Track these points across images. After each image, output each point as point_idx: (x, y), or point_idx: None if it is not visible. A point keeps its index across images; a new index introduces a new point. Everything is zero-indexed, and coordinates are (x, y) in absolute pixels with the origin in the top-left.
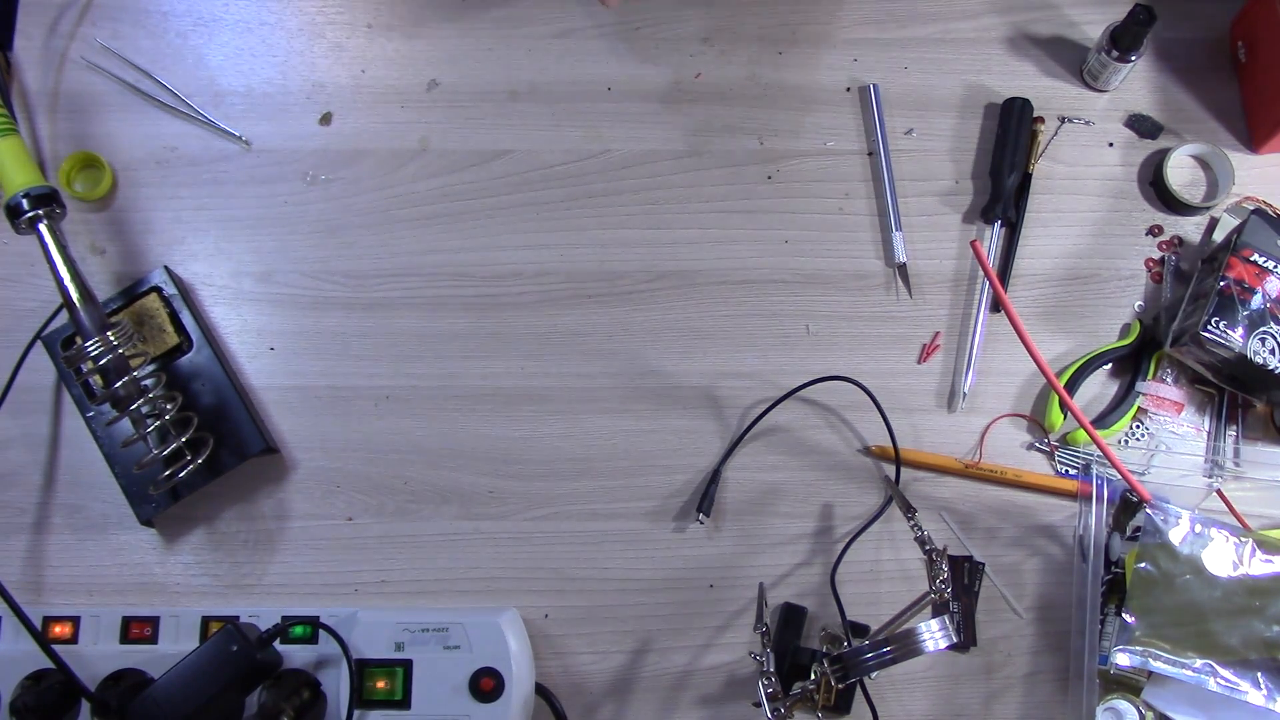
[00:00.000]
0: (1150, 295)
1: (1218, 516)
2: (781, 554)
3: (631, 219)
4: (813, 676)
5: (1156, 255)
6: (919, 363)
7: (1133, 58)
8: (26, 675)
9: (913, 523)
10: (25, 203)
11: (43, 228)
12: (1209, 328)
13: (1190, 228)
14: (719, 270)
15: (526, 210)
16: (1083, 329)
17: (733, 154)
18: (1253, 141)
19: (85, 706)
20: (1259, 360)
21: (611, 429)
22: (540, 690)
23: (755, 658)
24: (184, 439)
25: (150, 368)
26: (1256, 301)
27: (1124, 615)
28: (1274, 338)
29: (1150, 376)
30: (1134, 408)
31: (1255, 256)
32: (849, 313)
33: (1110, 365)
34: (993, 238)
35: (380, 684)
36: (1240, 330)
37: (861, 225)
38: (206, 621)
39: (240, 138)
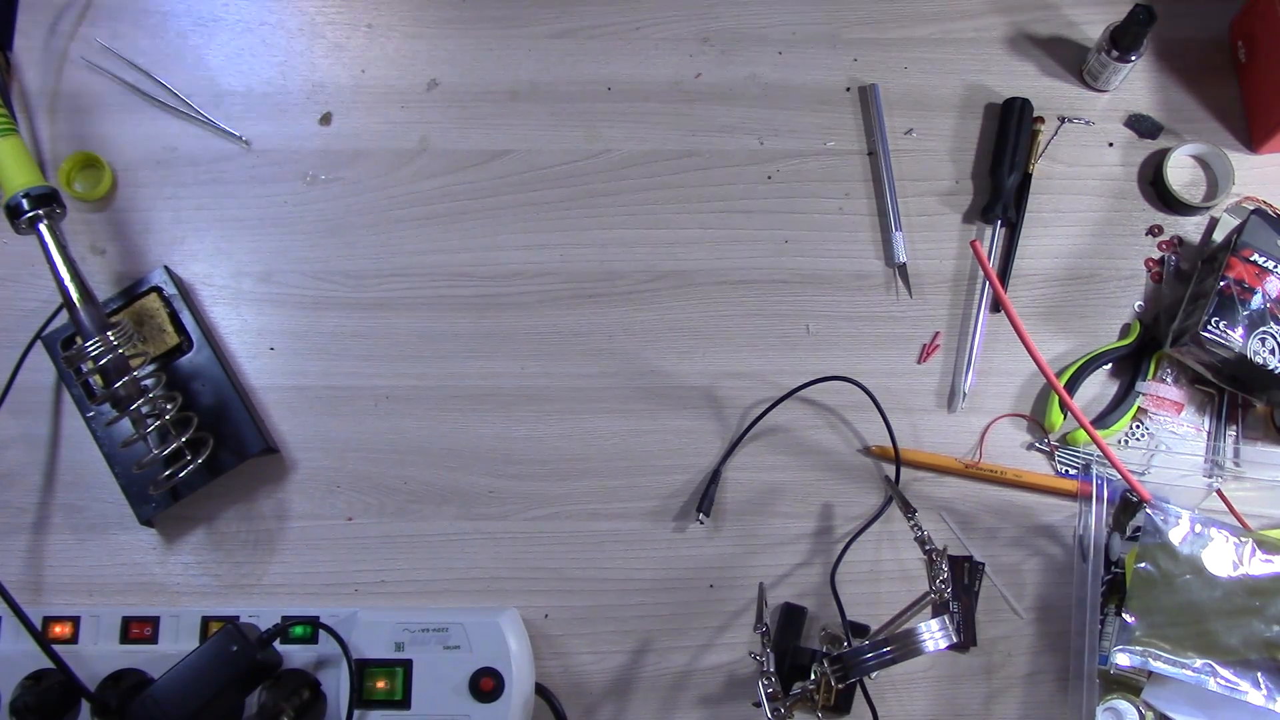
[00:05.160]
0: (1150, 295)
1: (1218, 516)
2: (781, 554)
3: (631, 219)
4: (813, 676)
5: (1156, 255)
6: (919, 363)
7: (1133, 58)
8: (26, 675)
9: (913, 523)
10: (25, 203)
11: (43, 228)
12: (1209, 328)
13: (1190, 228)
14: (719, 270)
15: (526, 210)
16: (1083, 329)
17: (733, 154)
18: (1253, 141)
19: (85, 706)
20: (1259, 360)
21: (611, 429)
22: (540, 690)
23: (755, 658)
24: (184, 439)
25: (150, 368)
26: (1256, 301)
27: (1124, 615)
28: (1274, 338)
29: (1150, 376)
30: (1134, 408)
31: (1255, 256)
32: (849, 313)
33: (1110, 365)
34: (993, 238)
35: (380, 684)
36: (1240, 330)
37: (861, 225)
38: (206, 621)
39: (240, 138)
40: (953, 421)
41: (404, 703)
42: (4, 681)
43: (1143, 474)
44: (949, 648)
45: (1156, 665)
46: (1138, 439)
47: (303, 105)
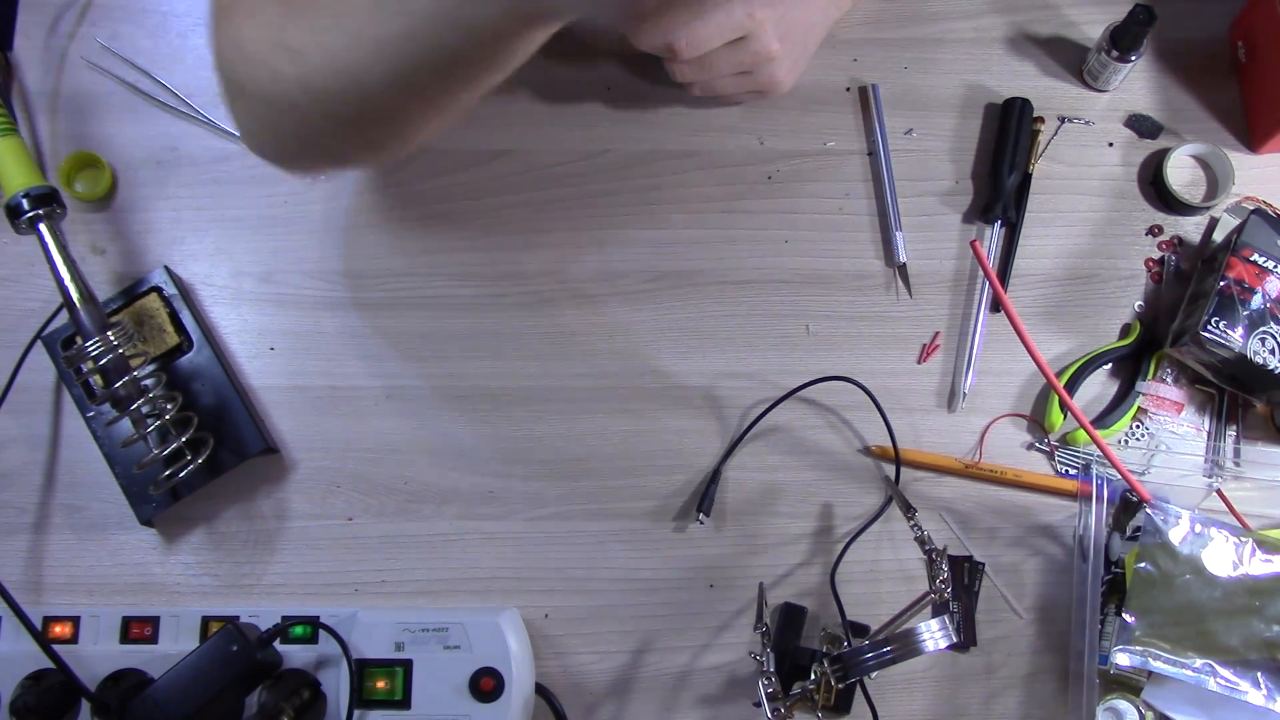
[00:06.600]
0: (1150, 295)
1: (1218, 516)
2: (781, 554)
3: (631, 219)
4: (813, 676)
5: (1156, 255)
6: (919, 363)
7: (1133, 58)
8: (26, 675)
9: (913, 523)
10: (25, 203)
11: (43, 228)
12: (1209, 328)
13: (1190, 228)
14: (719, 270)
15: (526, 210)
16: (1083, 329)
17: (733, 154)
18: (1253, 141)
19: (85, 706)
20: (1259, 360)
21: (611, 429)
22: (540, 690)
23: (755, 658)
24: (184, 439)
25: (150, 368)
26: (1256, 301)
27: (1124, 615)
28: (1274, 338)
29: (1150, 376)
30: (1134, 408)
31: (1255, 256)
32: (849, 313)
33: (1110, 365)
34: (993, 238)
35: (380, 684)
36: (1240, 330)
37: (861, 225)
38: (206, 621)
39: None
40: (953, 421)
41: (404, 703)
42: (4, 681)
43: (1143, 474)
44: (949, 648)
45: (1156, 665)
46: (1138, 439)
47: None
